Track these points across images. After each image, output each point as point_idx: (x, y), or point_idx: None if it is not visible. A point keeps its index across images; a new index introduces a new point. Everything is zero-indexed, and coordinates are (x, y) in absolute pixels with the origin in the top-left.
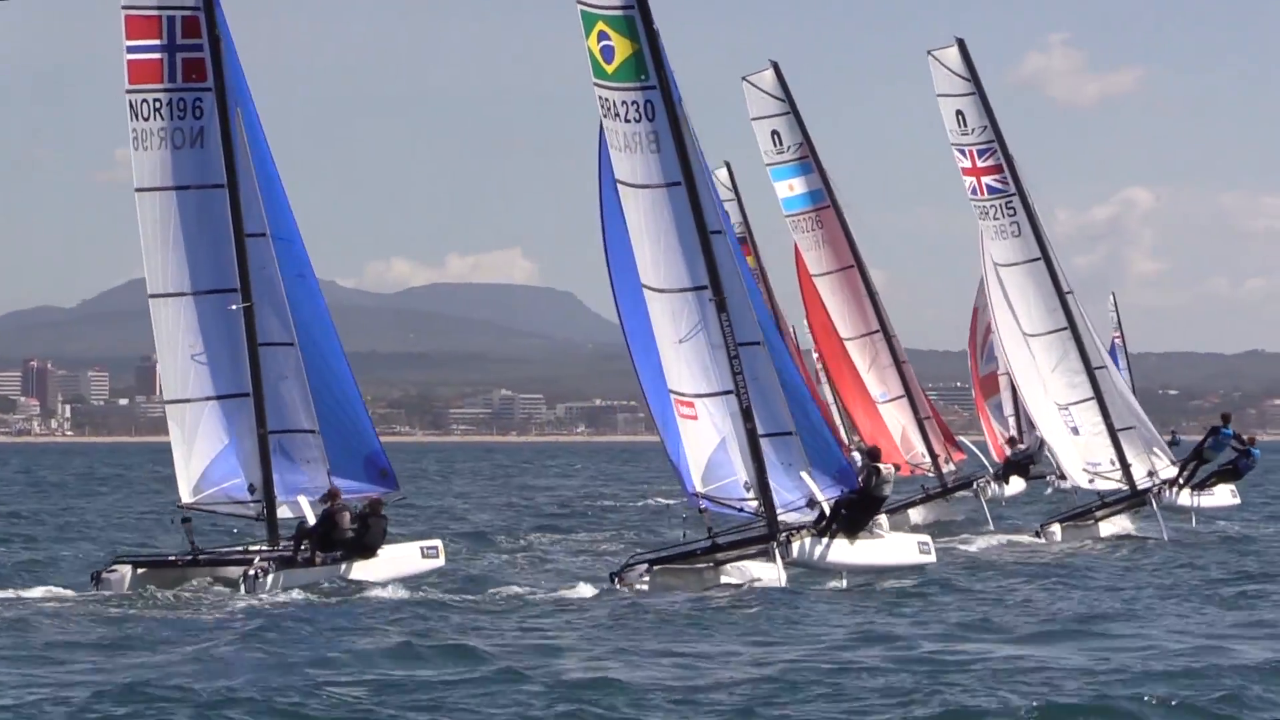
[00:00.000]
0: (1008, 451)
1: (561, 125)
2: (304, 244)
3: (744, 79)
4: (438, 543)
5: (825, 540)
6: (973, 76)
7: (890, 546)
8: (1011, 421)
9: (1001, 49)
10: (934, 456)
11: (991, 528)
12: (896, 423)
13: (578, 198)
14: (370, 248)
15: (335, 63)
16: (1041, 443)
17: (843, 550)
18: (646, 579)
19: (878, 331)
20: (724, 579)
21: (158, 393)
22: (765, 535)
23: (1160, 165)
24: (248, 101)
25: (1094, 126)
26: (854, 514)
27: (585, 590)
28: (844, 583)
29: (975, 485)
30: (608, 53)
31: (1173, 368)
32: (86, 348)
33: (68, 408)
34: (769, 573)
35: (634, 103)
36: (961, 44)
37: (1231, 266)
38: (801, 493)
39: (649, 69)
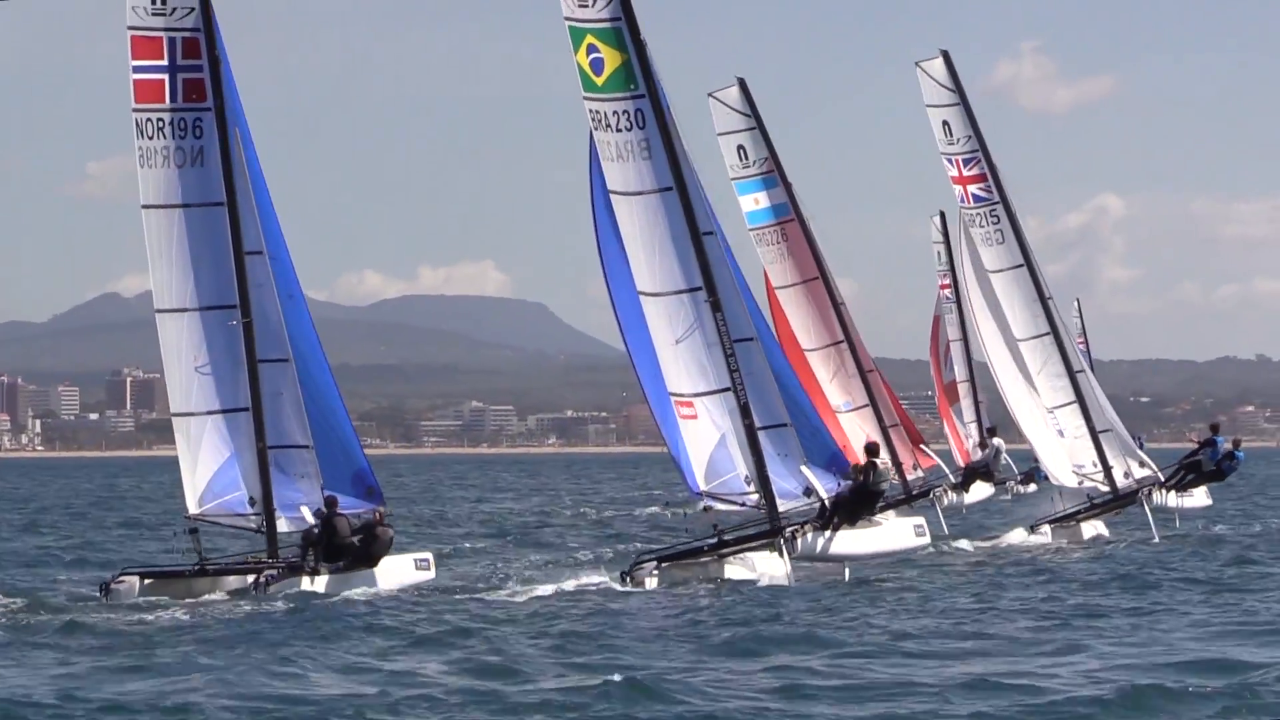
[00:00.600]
0: (975, 456)
1: (535, 137)
2: (292, 263)
3: (710, 95)
4: (429, 555)
5: (826, 534)
6: (957, 87)
7: (886, 533)
8: (973, 428)
9: (973, 57)
10: (898, 465)
11: (945, 533)
12: (860, 432)
13: (550, 210)
14: (342, 260)
15: (307, 75)
16: (997, 451)
17: (843, 541)
18: (655, 575)
19: (842, 342)
20: (729, 571)
21: (128, 407)
22: (769, 532)
23: (1132, 172)
24: (242, 121)
25: (1066, 134)
26: (852, 509)
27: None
28: (846, 574)
29: (932, 494)
30: (597, 65)
31: (1144, 375)
32: (57, 363)
33: (38, 423)
34: (776, 570)
35: (624, 112)
36: (946, 55)
37: (1203, 273)
38: (799, 482)
39: (638, 78)
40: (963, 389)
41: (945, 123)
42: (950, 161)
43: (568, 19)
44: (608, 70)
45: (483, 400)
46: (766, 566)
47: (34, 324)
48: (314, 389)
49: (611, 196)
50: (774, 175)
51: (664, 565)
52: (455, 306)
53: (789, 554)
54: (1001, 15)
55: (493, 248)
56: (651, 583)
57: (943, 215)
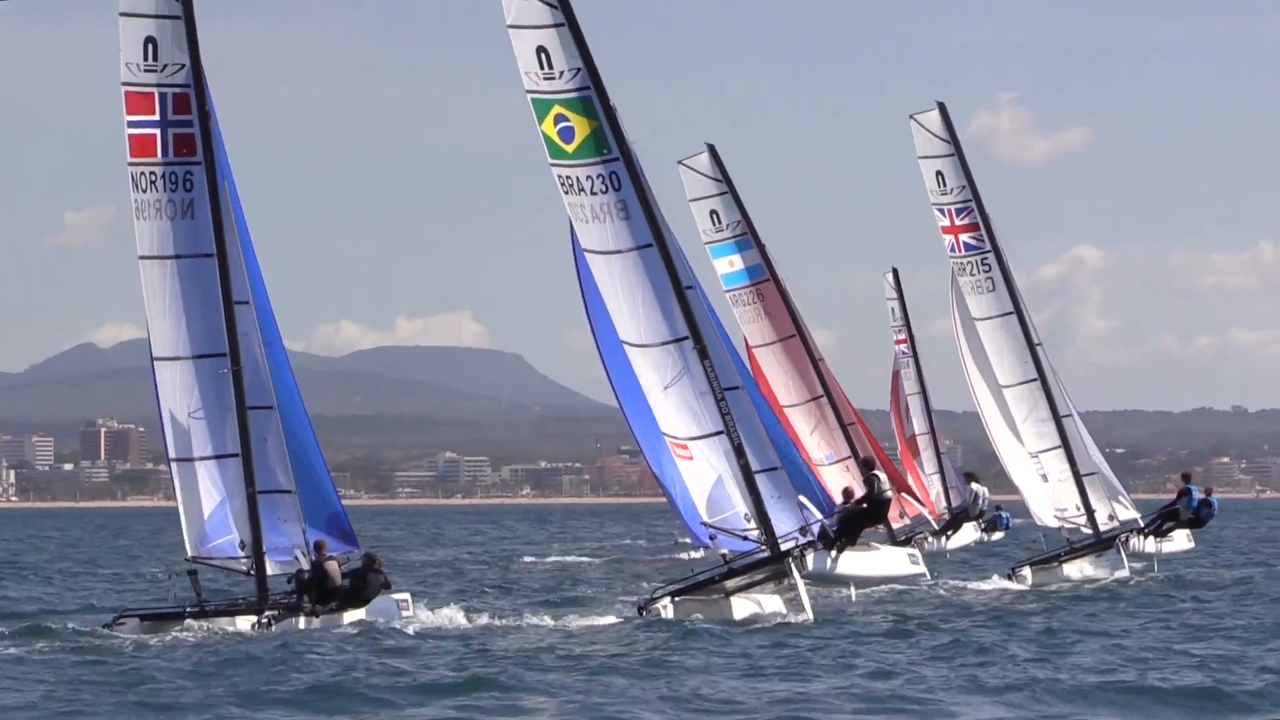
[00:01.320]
0: (939, 507)
1: (512, 188)
2: (273, 311)
3: (680, 163)
4: (408, 596)
5: (833, 554)
6: (952, 138)
7: (885, 559)
8: (936, 479)
9: (950, 109)
10: None
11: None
12: (843, 484)
13: (527, 261)
14: (318, 311)
15: (284, 125)
16: (976, 496)
17: (848, 563)
18: (671, 608)
19: (821, 397)
20: (746, 609)
21: (101, 458)
22: (778, 556)
23: (1109, 223)
24: (228, 174)
25: (1043, 185)
26: (860, 522)
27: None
28: (853, 595)
29: (912, 541)
30: (567, 134)
31: (1120, 425)
32: (32, 413)
33: (12, 473)
34: (794, 605)
35: (599, 175)
36: (942, 107)
37: (1180, 324)
38: (796, 521)
39: (610, 143)
40: (923, 441)
41: (939, 173)
42: (942, 212)
43: (530, 92)
44: (579, 137)
45: (457, 451)
46: (787, 609)
47: (10, 374)
48: (291, 436)
49: (587, 255)
50: (747, 237)
51: (678, 598)
52: (431, 357)
53: (800, 572)
54: (978, 67)
55: (469, 298)
56: (666, 615)
57: (895, 272)
